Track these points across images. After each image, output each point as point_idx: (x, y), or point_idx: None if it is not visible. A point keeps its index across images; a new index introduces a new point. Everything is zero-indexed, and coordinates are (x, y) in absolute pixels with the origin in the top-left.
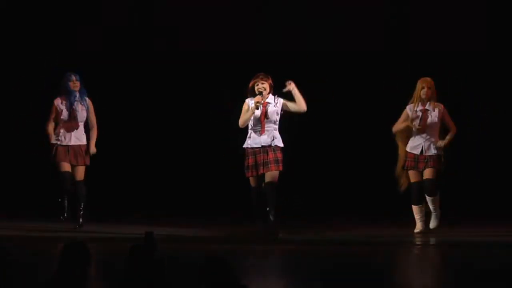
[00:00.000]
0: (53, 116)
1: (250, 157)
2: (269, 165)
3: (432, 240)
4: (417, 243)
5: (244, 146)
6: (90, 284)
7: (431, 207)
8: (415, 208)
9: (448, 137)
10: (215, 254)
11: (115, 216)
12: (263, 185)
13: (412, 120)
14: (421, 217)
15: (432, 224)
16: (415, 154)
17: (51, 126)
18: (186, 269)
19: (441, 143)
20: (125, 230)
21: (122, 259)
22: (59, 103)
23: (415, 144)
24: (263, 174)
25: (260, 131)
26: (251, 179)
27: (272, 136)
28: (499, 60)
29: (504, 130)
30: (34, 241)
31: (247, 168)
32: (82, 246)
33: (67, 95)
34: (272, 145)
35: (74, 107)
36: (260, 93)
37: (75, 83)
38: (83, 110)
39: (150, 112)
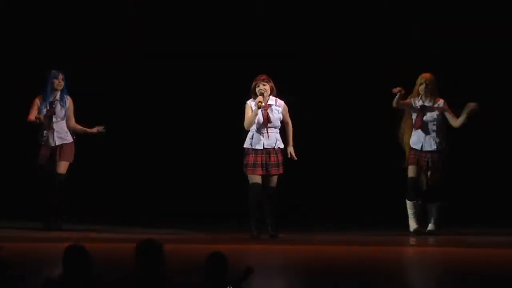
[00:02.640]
0: (33, 111)
1: (251, 155)
2: (270, 169)
3: (429, 241)
4: (412, 243)
5: (245, 146)
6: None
7: (430, 210)
8: (408, 204)
9: (461, 118)
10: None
11: (116, 218)
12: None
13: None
14: (414, 213)
15: (430, 227)
16: (416, 150)
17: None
18: (186, 269)
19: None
20: (124, 231)
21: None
22: (40, 101)
23: (415, 140)
24: (262, 175)
25: (264, 135)
26: (250, 176)
27: (275, 139)
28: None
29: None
30: (33, 241)
31: (246, 166)
32: (82, 249)
33: (48, 92)
34: (276, 147)
35: (53, 105)
36: (262, 94)
37: (60, 82)
38: (62, 108)
39: (149, 113)
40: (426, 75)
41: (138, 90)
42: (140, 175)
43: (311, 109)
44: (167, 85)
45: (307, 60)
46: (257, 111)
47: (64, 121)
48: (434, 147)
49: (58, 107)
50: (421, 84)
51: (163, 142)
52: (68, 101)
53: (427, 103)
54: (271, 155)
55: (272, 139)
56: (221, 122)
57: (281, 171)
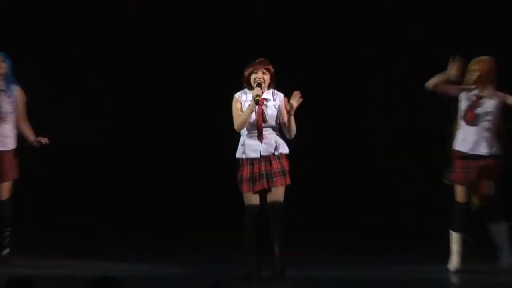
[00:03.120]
0: None
1: (246, 167)
2: (274, 179)
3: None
4: (454, 282)
5: (238, 156)
6: None
7: (496, 238)
8: (454, 236)
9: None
10: None
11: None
12: (267, 204)
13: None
14: (458, 249)
15: (503, 262)
16: (463, 156)
17: None
18: None
19: None
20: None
21: None
22: None
23: (463, 138)
24: (264, 190)
25: (258, 138)
26: (245, 195)
27: (274, 143)
28: None
29: None
30: None
31: (241, 182)
32: (28, 285)
33: None
34: (276, 153)
35: None
36: (259, 85)
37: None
38: (8, 102)
39: (149, 113)
40: (480, 59)
41: (138, 90)
42: (132, 186)
43: (310, 109)
44: (167, 85)
45: (307, 60)
46: (254, 107)
47: (10, 120)
48: (485, 150)
49: (3, 99)
50: (469, 71)
51: (162, 146)
52: (17, 92)
53: (483, 94)
54: (273, 162)
55: (270, 143)
56: (222, 122)
57: (288, 181)
